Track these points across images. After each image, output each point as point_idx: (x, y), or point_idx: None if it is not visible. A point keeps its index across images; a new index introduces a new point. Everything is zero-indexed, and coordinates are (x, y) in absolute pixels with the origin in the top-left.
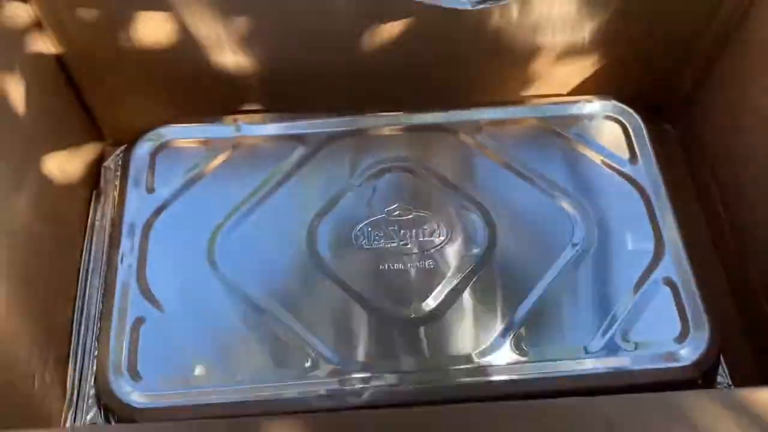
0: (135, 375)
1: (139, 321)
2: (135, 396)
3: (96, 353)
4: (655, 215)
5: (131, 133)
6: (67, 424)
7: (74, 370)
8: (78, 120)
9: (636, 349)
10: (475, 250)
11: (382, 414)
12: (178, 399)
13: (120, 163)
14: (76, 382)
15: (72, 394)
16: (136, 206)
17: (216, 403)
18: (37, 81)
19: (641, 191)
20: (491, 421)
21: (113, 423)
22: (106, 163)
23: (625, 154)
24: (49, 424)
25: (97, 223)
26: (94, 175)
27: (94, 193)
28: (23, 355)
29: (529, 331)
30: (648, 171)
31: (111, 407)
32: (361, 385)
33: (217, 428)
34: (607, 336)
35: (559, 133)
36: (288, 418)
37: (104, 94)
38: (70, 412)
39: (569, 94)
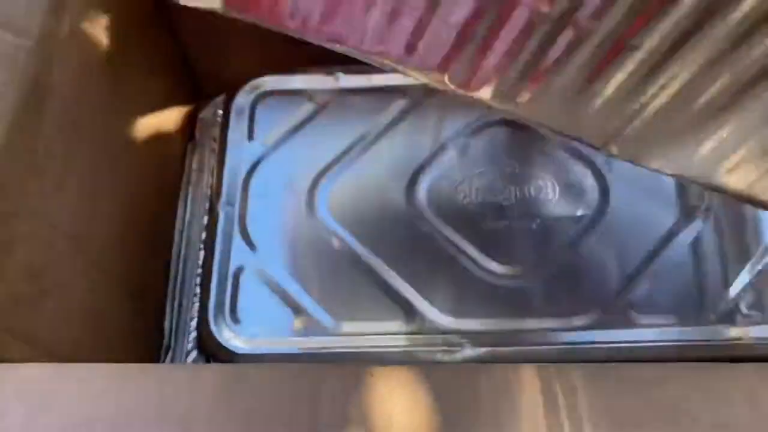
0: (236, 321)
1: (240, 269)
2: (236, 341)
3: (195, 299)
4: None
5: (226, 85)
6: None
7: (171, 315)
8: (177, 70)
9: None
10: (586, 209)
11: (507, 368)
12: (279, 346)
13: (217, 113)
14: (174, 327)
15: (169, 339)
16: (237, 156)
17: (316, 352)
18: (138, 30)
19: None
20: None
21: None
22: (201, 114)
23: None
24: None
25: (193, 173)
26: (189, 126)
27: (190, 144)
28: (120, 301)
29: (644, 295)
30: None
31: (212, 352)
32: (463, 344)
33: (330, 373)
34: (733, 302)
35: None
36: (406, 368)
37: (203, 44)
38: (168, 357)
39: None
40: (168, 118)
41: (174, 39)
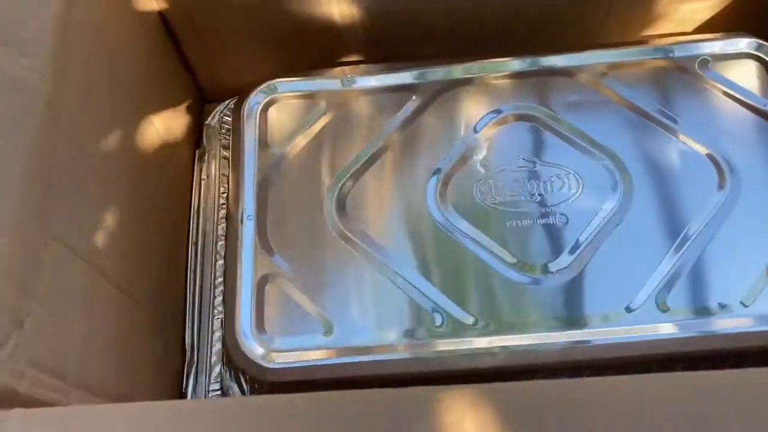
0: (264, 334)
1: (264, 280)
2: (266, 356)
3: (217, 313)
4: None
5: (231, 90)
6: (190, 381)
7: (192, 331)
8: (180, 77)
9: None
10: (611, 203)
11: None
12: (308, 359)
13: (223, 120)
14: (195, 342)
15: (192, 353)
16: (251, 163)
17: (347, 363)
18: (141, 39)
19: None
20: (654, 391)
21: (242, 381)
22: (207, 121)
23: None
24: (173, 382)
25: (203, 182)
26: (196, 133)
27: (197, 152)
28: (141, 322)
29: (675, 287)
30: None
31: (241, 367)
32: (495, 346)
33: (378, 401)
34: (761, 291)
35: (691, 74)
36: (473, 390)
37: (205, 50)
38: (192, 370)
39: (695, 32)
40: (174, 127)
41: (175, 46)
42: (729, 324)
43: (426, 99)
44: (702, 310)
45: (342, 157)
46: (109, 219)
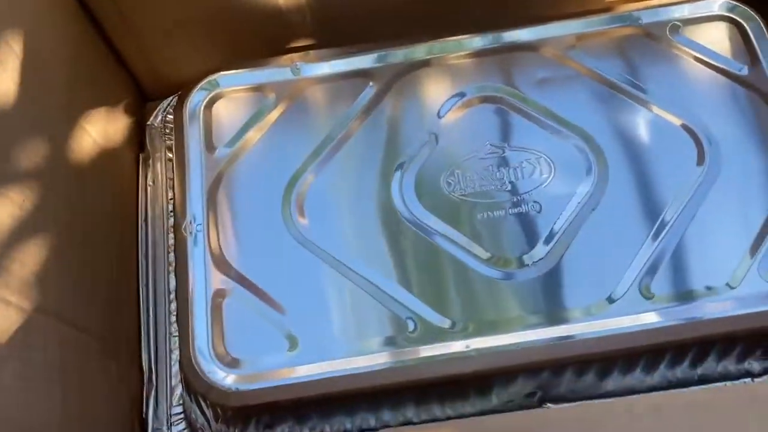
0: (222, 355)
1: (218, 294)
2: (225, 378)
3: (171, 331)
4: None
5: (174, 86)
6: (150, 405)
7: (148, 352)
8: (114, 76)
9: None
10: (585, 186)
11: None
12: (271, 378)
13: (166, 119)
14: (153, 364)
15: (150, 375)
16: (198, 166)
17: (314, 380)
18: (64, 35)
19: None
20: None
21: (204, 405)
22: (149, 121)
23: (744, 59)
24: (133, 408)
25: (149, 188)
26: (138, 135)
27: (141, 156)
28: (96, 343)
29: (657, 273)
30: None
31: (201, 392)
32: (473, 349)
33: None
34: (749, 271)
35: (661, 41)
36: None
37: (139, 44)
38: (152, 393)
39: None
40: (112, 131)
41: (105, 41)
42: (716, 308)
43: (384, 85)
44: (688, 295)
45: (297, 154)
46: (43, 243)
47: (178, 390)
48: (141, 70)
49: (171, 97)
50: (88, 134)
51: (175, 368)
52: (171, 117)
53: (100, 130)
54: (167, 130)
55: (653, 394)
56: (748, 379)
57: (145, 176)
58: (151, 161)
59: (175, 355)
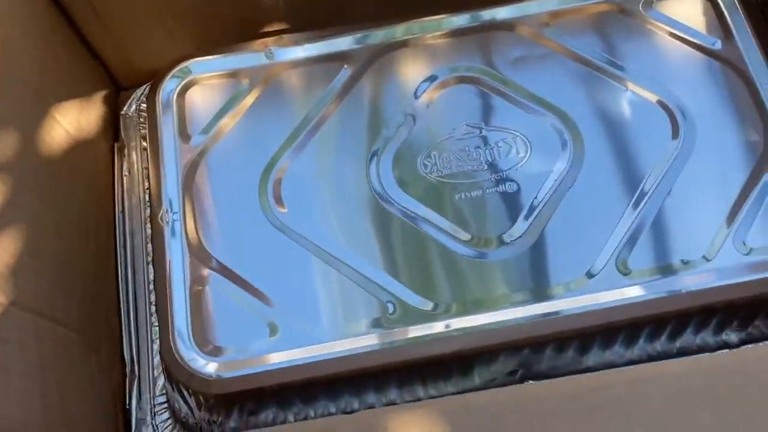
0: (203, 343)
1: (197, 282)
2: (206, 366)
3: (152, 321)
4: (762, 102)
5: (147, 74)
6: (133, 396)
7: (129, 343)
8: (84, 65)
9: (750, 254)
10: (562, 163)
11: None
12: (254, 365)
13: (141, 108)
14: (135, 354)
15: (132, 366)
16: (172, 155)
17: (296, 365)
18: (32, 26)
19: (742, 75)
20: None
21: (186, 394)
22: (123, 111)
23: (718, 33)
24: (115, 398)
25: (125, 178)
26: (112, 125)
27: (116, 146)
28: (75, 336)
29: (634, 248)
30: (748, 51)
31: (182, 381)
32: (454, 329)
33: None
34: (725, 243)
35: (635, 17)
36: (424, 410)
37: (109, 32)
38: (135, 384)
39: None
40: (85, 121)
41: (75, 30)
42: (693, 281)
43: (359, 67)
44: (665, 269)
45: (273, 140)
46: (16, 236)
47: (161, 380)
48: (113, 59)
49: (144, 86)
50: (60, 125)
51: (158, 359)
52: (145, 106)
53: (72, 120)
54: (142, 119)
55: (628, 369)
56: (725, 351)
57: (120, 166)
58: (126, 151)
59: (157, 345)
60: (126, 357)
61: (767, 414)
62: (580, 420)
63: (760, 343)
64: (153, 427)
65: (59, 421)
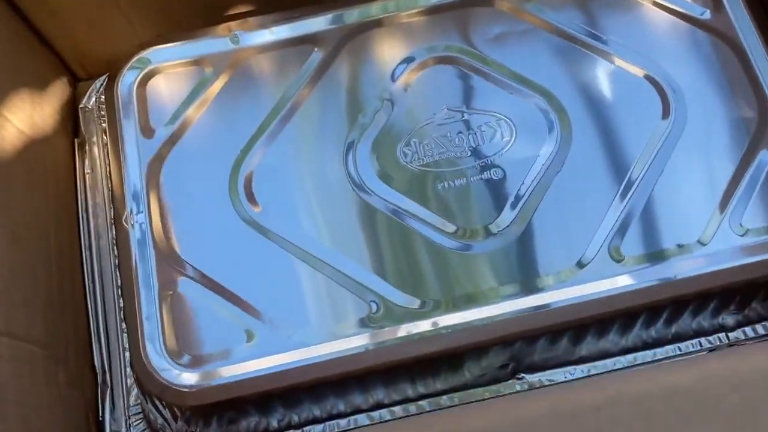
0: (176, 352)
1: (167, 288)
2: (180, 376)
3: (123, 327)
4: (755, 75)
5: (104, 63)
6: (107, 407)
7: (100, 351)
8: (35, 56)
9: (746, 236)
10: (549, 146)
11: None
12: (231, 373)
13: (101, 101)
14: (106, 365)
15: (104, 376)
16: (135, 151)
17: (276, 371)
18: None
19: (733, 47)
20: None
21: (160, 406)
22: (82, 104)
23: (707, 2)
24: (89, 409)
25: (87, 175)
26: (71, 120)
27: (76, 142)
28: (39, 350)
29: (627, 234)
30: (739, 21)
31: (155, 393)
32: (441, 326)
33: None
34: (720, 226)
35: None
36: None
37: (59, 19)
38: (107, 396)
39: None
40: (39, 118)
41: (22, 19)
42: (688, 266)
43: (331, 50)
44: (659, 255)
45: (242, 131)
46: None
47: (135, 390)
48: (67, 48)
49: (103, 77)
50: (9, 123)
51: (129, 370)
52: (99, 99)
53: (24, 117)
54: (102, 113)
55: (633, 379)
56: (722, 334)
57: (82, 163)
58: (87, 146)
59: (129, 353)
60: (97, 367)
61: None
62: None
63: (756, 335)
64: None
65: None
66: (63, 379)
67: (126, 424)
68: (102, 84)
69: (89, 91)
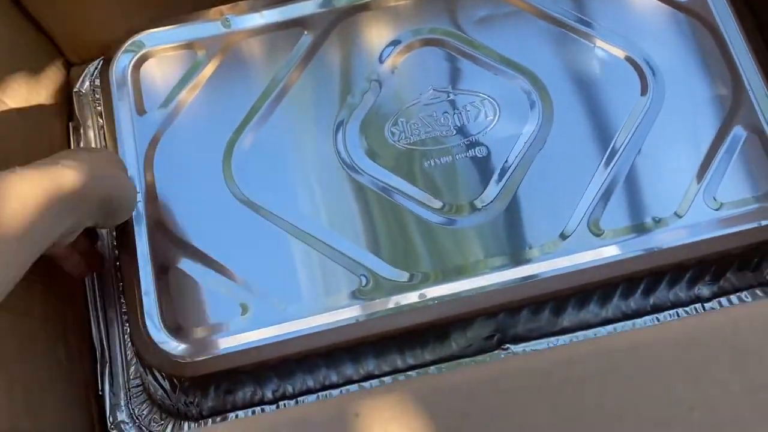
0: (174, 325)
1: (164, 264)
2: (178, 348)
3: (123, 308)
4: (731, 55)
5: (97, 47)
6: (106, 384)
7: (98, 326)
8: (30, 41)
9: (721, 209)
10: (531, 125)
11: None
12: (227, 345)
13: (94, 84)
14: (105, 339)
15: (103, 351)
16: (130, 133)
17: (270, 343)
18: None
19: (709, 27)
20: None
21: (160, 378)
22: (76, 88)
23: None
24: (89, 384)
25: None
26: (66, 103)
27: (71, 125)
28: (39, 325)
29: (607, 208)
30: (715, 3)
31: (155, 365)
32: (429, 298)
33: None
34: (695, 199)
35: None
36: (393, 397)
37: (54, 3)
38: (106, 371)
39: None
40: (35, 101)
41: (19, 8)
42: (665, 238)
43: (321, 32)
44: (637, 228)
45: (235, 112)
46: None
47: (134, 363)
48: (60, 33)
49: (97, 61)
50: (6, 106)
51: (129, 344)
52: (99, 82)
53: (21, 101)
54: (96, 96)
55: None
56: (698, 305)
57: (77, 146)
58: (82, 130)
59: (128, 328)
60: (96, 342)
61: (740, 381)
62: (553, 395)
63: (731, 305)
64: (129, 410)
65: (25, 414)
66: (63, 355)
67: (126, 397)
68: (96, 68)
69: (83, 75)
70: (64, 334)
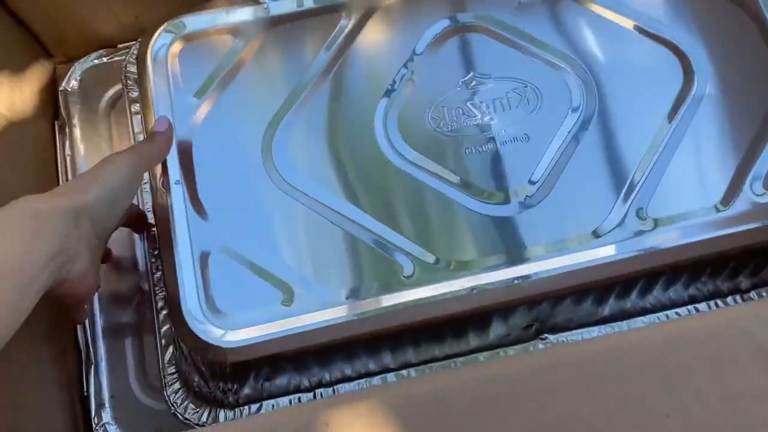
0: (214, 311)
1: (204, 250)
2: (219, 335)
3: (156, 291)
4: None
5: (82, 45)
6: (91, 383)
7: (83, 327)
8: (13, 39)
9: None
10: (574, 112)
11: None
12: (269, 331)
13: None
14: (90, 340)
15: (87, 352)
16: (169, 117)
17: (310, 330)
18: None
19: (753, 16)
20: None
21: (200, 364)
22: (62, 86)
23: None
24: (73, 387)
25: (68, 158)
26: (51, 102)
27: (57, 124)
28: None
29: (651, 196)
30: None
31: (195, 351)
32: (471, 286)
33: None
34: (741, 188)
35: None
36: (343, 406)
37: (40, 4)
38: (92, 373)
39: None
40: (18, 101)
41: (2, 5)
42: (716, 230)
43: (358, 18)
44: (685, 215)
45: (273, 98)
46: None
47: (170, 351)
48: (45, 31)
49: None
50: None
51: (164, 329)
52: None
53: (4, 99)
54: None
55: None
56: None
57: (63, 145)
58: (67, 129)
59: (163, 315)
60: (81, 343)
61: (717, 388)
62: (526, 402)
63: (706, 311)
64: (165, 397)
65: (8, 413)
66: (48, 358)
67: (161, 383)
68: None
69: (69, 73)
70: (47, 336)
